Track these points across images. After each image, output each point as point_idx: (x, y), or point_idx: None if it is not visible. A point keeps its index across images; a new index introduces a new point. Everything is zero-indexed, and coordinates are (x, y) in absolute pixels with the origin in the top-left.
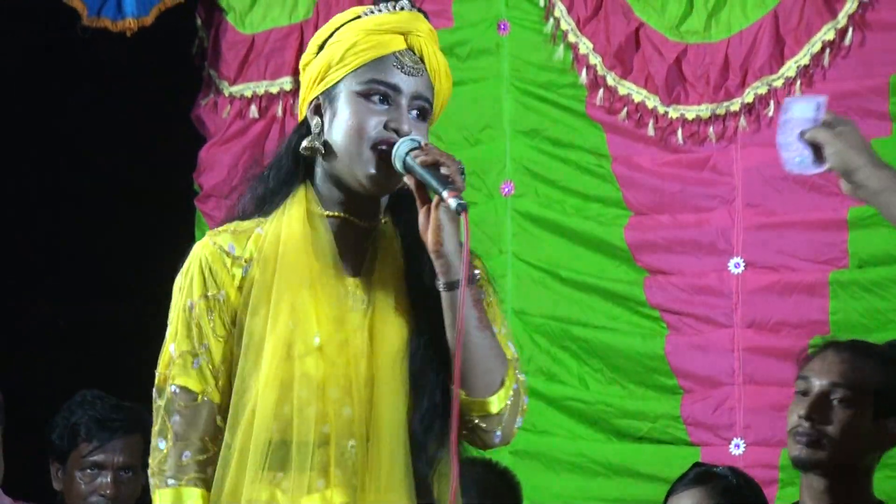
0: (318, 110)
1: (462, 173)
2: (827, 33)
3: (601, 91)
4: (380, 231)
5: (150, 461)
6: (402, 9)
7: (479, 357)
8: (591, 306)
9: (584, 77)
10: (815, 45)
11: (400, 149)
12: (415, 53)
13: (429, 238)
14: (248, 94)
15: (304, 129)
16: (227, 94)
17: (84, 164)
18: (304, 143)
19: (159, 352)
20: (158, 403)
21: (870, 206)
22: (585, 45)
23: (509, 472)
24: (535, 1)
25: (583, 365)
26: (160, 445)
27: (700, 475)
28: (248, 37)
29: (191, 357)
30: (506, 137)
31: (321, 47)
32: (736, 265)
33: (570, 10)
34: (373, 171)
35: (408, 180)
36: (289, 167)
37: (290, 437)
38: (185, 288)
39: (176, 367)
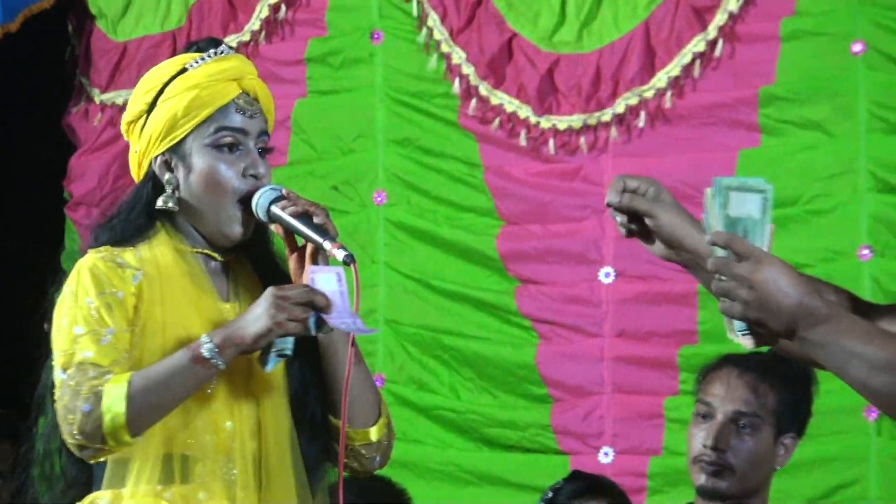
0: (167, 166)
1: (328, 217)
2: (697, 45)
3: (474, 101)
4: (236, 262)
5: (64, 424)
6: (222, 53)
7: (359, 390)
8: (463, 316)
9: (456, 87)
10: (685, 56)
11: (261, 199)
12: (249, 95)
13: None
14: (120, 101)
15: (150, 184)
16: (98, 102)
17: None
18: (160, 203)
19: (35, 355)
20: (65, 376)
21: None
22: (458, 55)
23: (406, 492)
24: (408, 10)
25: (454, 374)
26: (78, 407)
27: (596, 485)
28: (119, 44)
29: (97, 335)
30: (378, 147)
31: (153, 104)
32: (606, 275)
33: (443, 19)
34: (239, 227)
35: (275, 229)
36: (142, 222)
37: (173, 450)
38: (80, 291)
39: (83, 341)
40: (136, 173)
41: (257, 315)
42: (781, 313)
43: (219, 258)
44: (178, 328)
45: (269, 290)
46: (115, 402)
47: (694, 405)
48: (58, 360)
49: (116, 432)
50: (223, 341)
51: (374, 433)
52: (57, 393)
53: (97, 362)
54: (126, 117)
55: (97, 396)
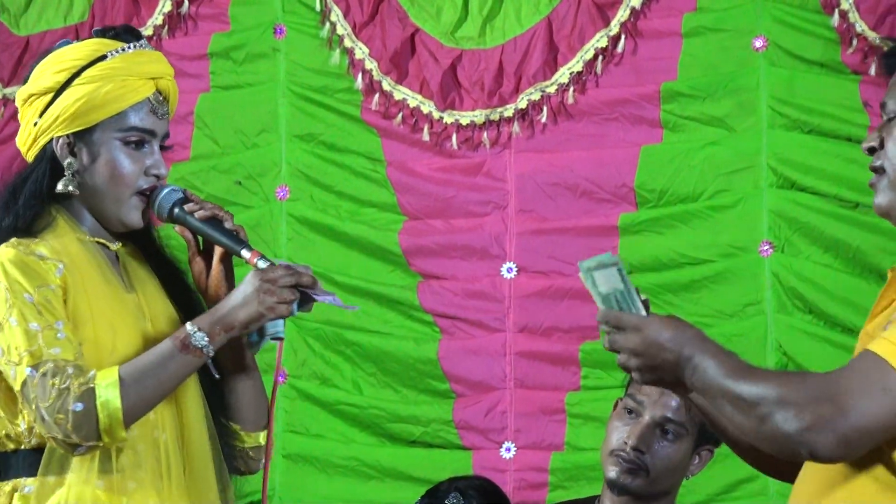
0: (70, 149)
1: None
2: (600, 40)
3: (377, 96)
4: (121, 250)
5: (45, 420)
6: (142, 47)
7: (254, 395)
8: (366, 311)
9: (359, 82)
10: (587, 52)
11: (163, 200)
12: (162, 95)
13: (211, 286)
14: None
15: (49, 164)
16: (0, 96)
17: None
18: (60, 186)
19: None
20: (36, 374)
21: (640, 213)
22: (361, 50)
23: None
24: (311, 5)
25: (356, 369)
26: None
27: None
28: (22, 38)
29: (53, 330)
30: (281, 141)
31: (66, 84)
32: (508, 270)
33: (346, 14)
34: (137, 217)
35: (179, 230)
36: (41, 207)
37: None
38: (14, 286)
39: (44, 337)
40: (29, 146)
41: (244, 301)
42: (668, 369)
43: (112, 247)
44: (104, 319)
45: (254, 274)
46: (110, 398)
47: (623, 397)
48: (21, 359)
49: (112, 428)
50: (212, 328)
51: (262, 437)
52: (31, 393)
53: (67, 358)
54: (30, 88)
55: (90, 394)
